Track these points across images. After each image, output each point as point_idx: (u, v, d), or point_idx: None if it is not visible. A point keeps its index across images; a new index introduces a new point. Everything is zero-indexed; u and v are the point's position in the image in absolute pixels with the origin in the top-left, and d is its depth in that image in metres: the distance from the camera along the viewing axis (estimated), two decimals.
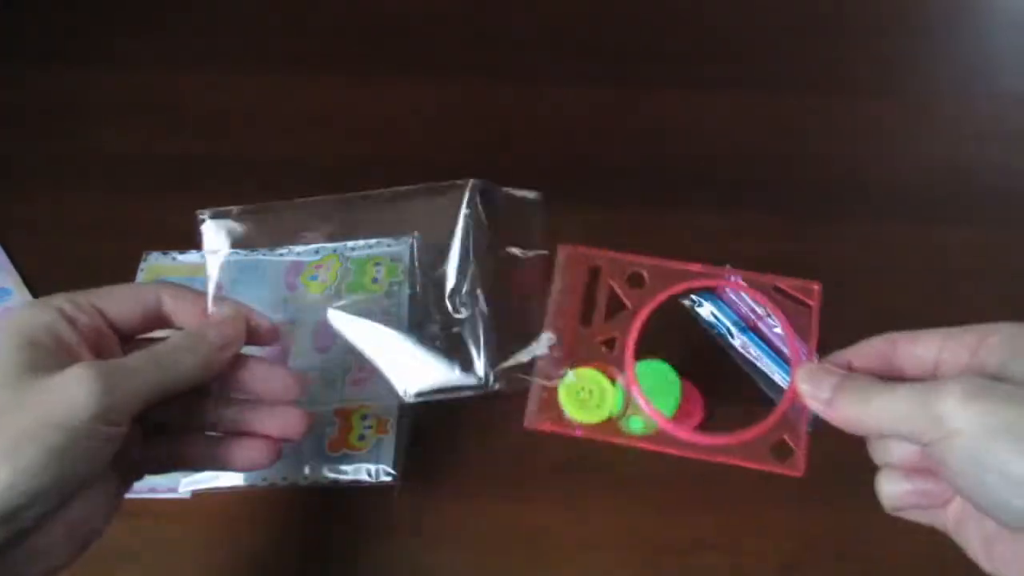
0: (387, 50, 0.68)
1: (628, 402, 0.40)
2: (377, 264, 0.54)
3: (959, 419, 0.29)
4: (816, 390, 0.34)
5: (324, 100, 0.63)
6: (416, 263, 0.54)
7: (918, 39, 0.67)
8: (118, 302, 0.36)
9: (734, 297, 0.52)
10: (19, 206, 0.60)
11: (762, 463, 0.38)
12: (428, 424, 0.51)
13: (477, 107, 0.64)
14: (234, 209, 0.49)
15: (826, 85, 0.64)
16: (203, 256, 0.55)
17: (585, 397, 0.41)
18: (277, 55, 0.67)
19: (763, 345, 0.51)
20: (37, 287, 0.56)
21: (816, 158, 0.60)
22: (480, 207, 0.46)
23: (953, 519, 0.33)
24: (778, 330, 0.51)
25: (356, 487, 0.48)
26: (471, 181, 0.46)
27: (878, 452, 0.35)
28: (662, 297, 0.42)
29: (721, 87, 0.64)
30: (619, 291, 0.42)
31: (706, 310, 0.52)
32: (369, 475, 0.47)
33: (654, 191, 0.59)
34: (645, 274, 0.42)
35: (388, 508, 0.48)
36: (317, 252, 0.55)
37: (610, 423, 0.41)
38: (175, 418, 0.38)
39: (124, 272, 0.55)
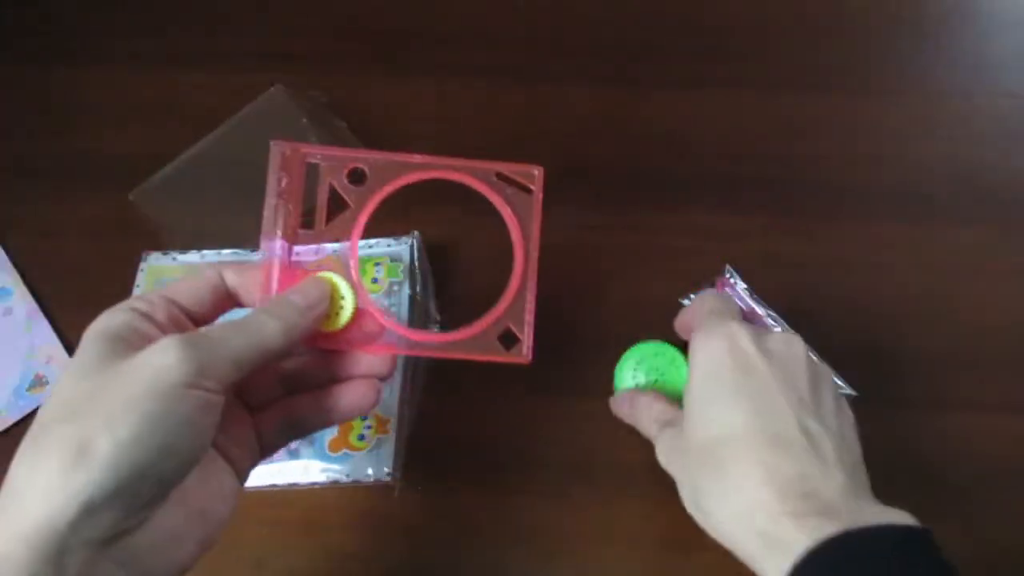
0: (388, 49, 0.68)
1: (357, 304, 0.38)
2: (377, 264, 0.54)
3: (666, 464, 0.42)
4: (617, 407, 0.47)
5: (328, 98, 0.63)
6: (416, 263, 0.54)
7: (918, 39, 0.67)
8: (185, 288, 0.36)
9: (731, 293, 0.52)
10: (19, 206, 0.60)
11: (490, 354, 0.39)
12: (428, 423, 0.51)
13: (476, 106, 0.64)
14: (159, 175, 0.59)
15: (826, 85, 0.64)
16: (203, 256, 0.55)
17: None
18: (276, 55, 0.67)
19: None
20: (37, 287, 0.56)
21: (816, 158, 0.60)
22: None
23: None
24: (778, 329, 0.51)
25: (356, 487, 0.48)
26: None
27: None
28: (386, 191, 0.40)
29: (721, 87, 0.64)
30: (339, 189, 0.40)
31: None
32: (369, 475, 0.47)
33: (654, 191, 0.59)
34: (366, 169, 0.40)
35: (388, 508, 0.48)
36: (317, 252, 0.55)
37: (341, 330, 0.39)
38: (273, 389, 0.38)
39: (124, 272, 0.55)
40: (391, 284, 0.53)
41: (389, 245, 0.54)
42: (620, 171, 0.61)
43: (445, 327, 0.53)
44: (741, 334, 0.39)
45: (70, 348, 0.53)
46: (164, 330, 0.34)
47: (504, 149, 0.62)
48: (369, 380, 0.39)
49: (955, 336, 0.53)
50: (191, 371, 0.30)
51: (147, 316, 0.34)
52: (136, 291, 0.54)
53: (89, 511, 0.28)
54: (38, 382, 0.52)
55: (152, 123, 0.64)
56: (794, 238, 0.56)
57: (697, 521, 0.38)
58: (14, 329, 0.54)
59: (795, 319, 0.51)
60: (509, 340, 0.39)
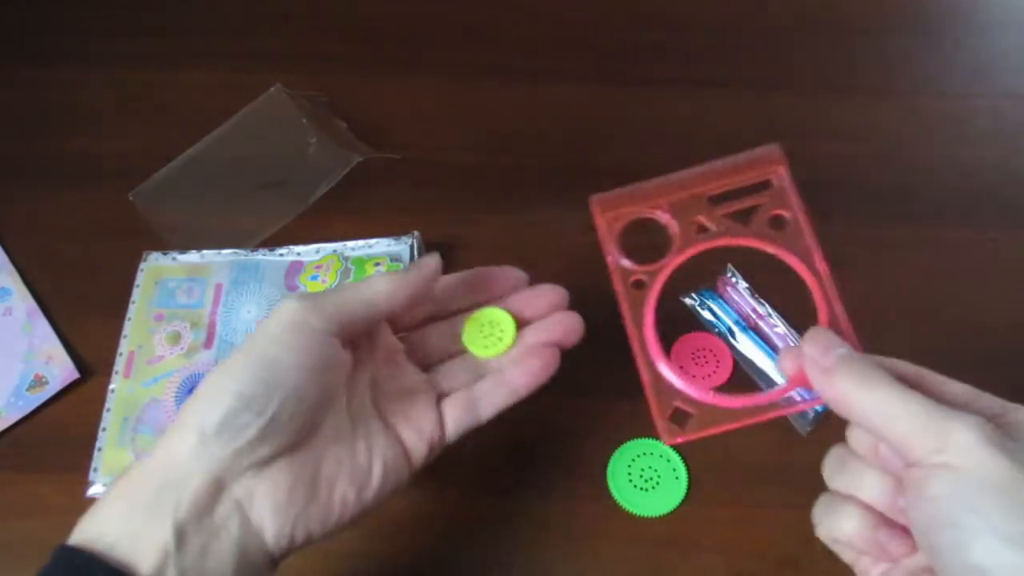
0: (388, 49, 0.68)
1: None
2: (377, 264, 0.54)
3: (965, 453, 0.27)
4: (820, 354, 0.31)
5: (328, 98, 0.63)
6: None
7: (918, 39, 0.67)
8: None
9: (735, 296, 0.52)
10: (19, 206, 0.60)
11: (660, 415, 0.36)
12: None
13: (475, 106, 0.64)
14: (159, 175, 0.59)
15: (826, 85, 0.64)
16: (203, 256, 0.55)
17: (488, 332, 0.43)
18: (276, 55, 0.67)
19: (763, 344, 0.51)
20: (37, 287, 0.56)
21: (816, 158, 0.60)
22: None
23: None
24: (779, 329, 0.51)
25: None
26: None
27: (842, 477, 0.32)
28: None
29: (720, 87, 0.64)
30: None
31: (707, 309, 0.52)
32: None
33: None
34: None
35: (388, 508, 0.48)
36: (317, 252, 0.55)
37: None
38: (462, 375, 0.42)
39: (124, 272, 0.55)
40: None
41: (389, 245, 0.54)
42: (620, 171, 0.60)
43: None
44: None
45: (70, 348, 0.53)
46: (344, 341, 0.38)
47: (504, 149, 0.63)
48: (549, 348, 0.41)
49: (955, 336, 0.53)
50: (302, 312, 0.36)
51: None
52: (136, 291, 0.54)
53: (202, 440, 0.33)
54: (38, 382, 0.52)
55: (152, 123, 0.64)
56: None
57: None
58: (14, 329, 0.54)
59: (795, 319, 0.51)
60: (680, 417, 0.36)
